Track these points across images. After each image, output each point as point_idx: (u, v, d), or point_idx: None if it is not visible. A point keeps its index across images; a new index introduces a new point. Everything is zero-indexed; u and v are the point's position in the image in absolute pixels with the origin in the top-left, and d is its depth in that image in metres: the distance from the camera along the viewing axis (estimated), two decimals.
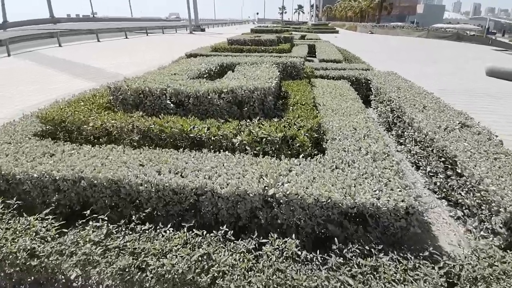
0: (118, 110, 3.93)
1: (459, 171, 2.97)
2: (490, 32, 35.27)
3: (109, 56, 15.37)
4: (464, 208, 3.02)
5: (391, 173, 2.56)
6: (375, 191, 2.30)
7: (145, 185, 2.48)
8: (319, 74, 7.07)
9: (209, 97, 3.50)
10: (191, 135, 3.13)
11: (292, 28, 30.32)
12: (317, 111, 3.96)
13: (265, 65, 5.05)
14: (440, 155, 3.30)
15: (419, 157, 3.89)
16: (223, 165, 2.71)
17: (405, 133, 4.39)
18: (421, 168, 3.87)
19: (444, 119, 3.91)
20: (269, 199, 2.38)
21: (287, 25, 40.68)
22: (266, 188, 2.38)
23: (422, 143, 3.75)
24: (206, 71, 5.04)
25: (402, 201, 2.20)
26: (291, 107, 3.99)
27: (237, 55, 9.20)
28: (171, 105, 3.71)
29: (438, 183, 3.40)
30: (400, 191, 2.31)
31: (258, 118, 3.48)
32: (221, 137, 3.12)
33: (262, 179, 2.48)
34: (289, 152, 3.11)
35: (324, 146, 3.23)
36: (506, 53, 19.34)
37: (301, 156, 2.91)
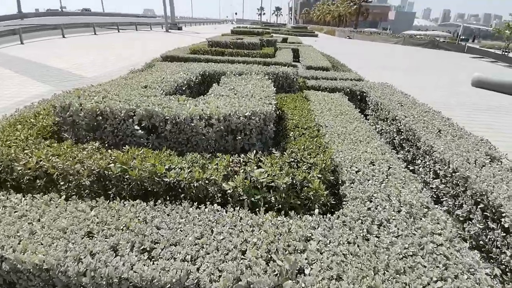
0: (68, 137, 2.98)
1: (507, 226, 2.36)
2: (463, 38, 36.51)
3: (74, 54, 13.85)
4: (505, 267, 2.44)
5: (445, 243, 1.87)
6: (435, 281, 1.60)
7: (92, 274, 1.61)
8: (311, 84, 6.40)
9: (192, 124, 2.65)
10: (166, 179, 2.28)
11: (272, 30, 29.81)
12: (323, 139, 3.24)
13: (256, 76, 4.27)
14: (478, 200, 2.70)
15: (441, 193, 3.30)
16: (212, 233, 1.90)
17: (419, 161, 3.80)
18: (442, 204, 3.27)
19: (468, 149, 3.34)
20: None
21: (266, 26, 40.20)
22: (278, 277, 1.61)
23: (447, 179, 3.15)
24: (185, 82, 4.17)
25: None
26: (291, 133, 3.24)
27: (219, 59, 8.36)
28: (140, 131, 2.83)
29: (472, 232, 2.80)
30: (467, 279, 1.63)
31: (254, 150, 2.70)
32: (206, 182, 2.30)
33: (271, 260, 1.70)
34: (298, 201, 2.35)
35: (341, 192, 2.51)
36: (484, 61, 19.91)
37: (316, 211, 2.16)
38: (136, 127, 2.81)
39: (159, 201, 2.17)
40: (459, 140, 3.59)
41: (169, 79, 4.06)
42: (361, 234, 1.93)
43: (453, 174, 3.04)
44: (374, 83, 6.79)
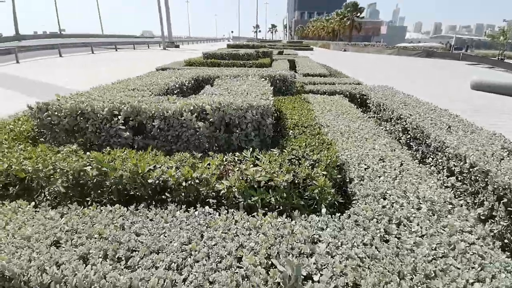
0: (46, 141, 2.73)
1: None
2: (456, 47, 36.91)
3: (67, 71, 13.81)
4: None
5: (477, 241, 1.59)
6: (472, 284, 1.30)
7: (57, 286, 1.31)
8: (309, 89, 6.21)
9: (182, 117, 2.40)
10: (150, 180, 2.01)
11: (268, 45, 30.18)
12: (326, 137, 2.99)
13: (252, 78, 4.07)
14: (501, 194, 2.42)
15: (458, 191, 3.01)
16: (202, 238, 1.61)
17: (430, 159, 3.53)
18: (461, 201, 2.98)
19: (482, 143, 3.09)
20: None
21: (262, 42, 40.83)
22: (280, 286, 1.31)
23: (464, 175, 2.87)
24: (177, 85, 3.96)
25: None
26: (291, 131, 2.99)
27: (215, 69, 8.23)
28: (126, 133, 2.57)
29: (496, 231, 2.50)
30: (505, 277, 1.34)
31: (251, 148, 2.44)
32: (197, 182, 2.02)
33: (271, 267, 1.40)
34: (302, 202, 2.07)
35: (349, 190, 2.23)
36: (480, 67, 19.98)
37: (323, 211, 1.88)
38: (121, 126, 2.56)
39: (142, 205, 1.89)
40: (472, 135, 3.34)
41: (160, 82, 3.85)
42: (378, 235, 1.63)
43: (470, 169, 2.76)
44: (374, 86, 6.61)
